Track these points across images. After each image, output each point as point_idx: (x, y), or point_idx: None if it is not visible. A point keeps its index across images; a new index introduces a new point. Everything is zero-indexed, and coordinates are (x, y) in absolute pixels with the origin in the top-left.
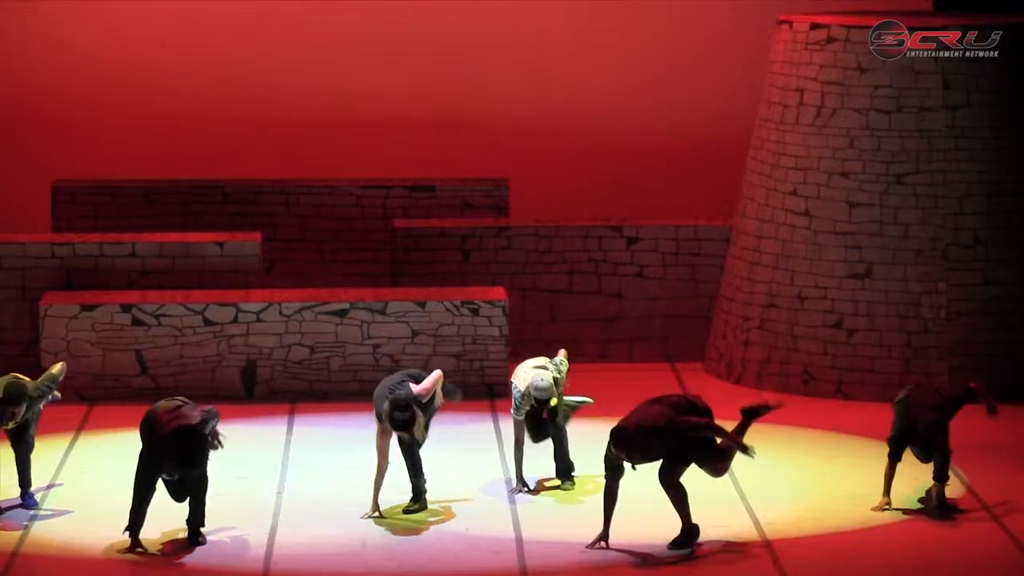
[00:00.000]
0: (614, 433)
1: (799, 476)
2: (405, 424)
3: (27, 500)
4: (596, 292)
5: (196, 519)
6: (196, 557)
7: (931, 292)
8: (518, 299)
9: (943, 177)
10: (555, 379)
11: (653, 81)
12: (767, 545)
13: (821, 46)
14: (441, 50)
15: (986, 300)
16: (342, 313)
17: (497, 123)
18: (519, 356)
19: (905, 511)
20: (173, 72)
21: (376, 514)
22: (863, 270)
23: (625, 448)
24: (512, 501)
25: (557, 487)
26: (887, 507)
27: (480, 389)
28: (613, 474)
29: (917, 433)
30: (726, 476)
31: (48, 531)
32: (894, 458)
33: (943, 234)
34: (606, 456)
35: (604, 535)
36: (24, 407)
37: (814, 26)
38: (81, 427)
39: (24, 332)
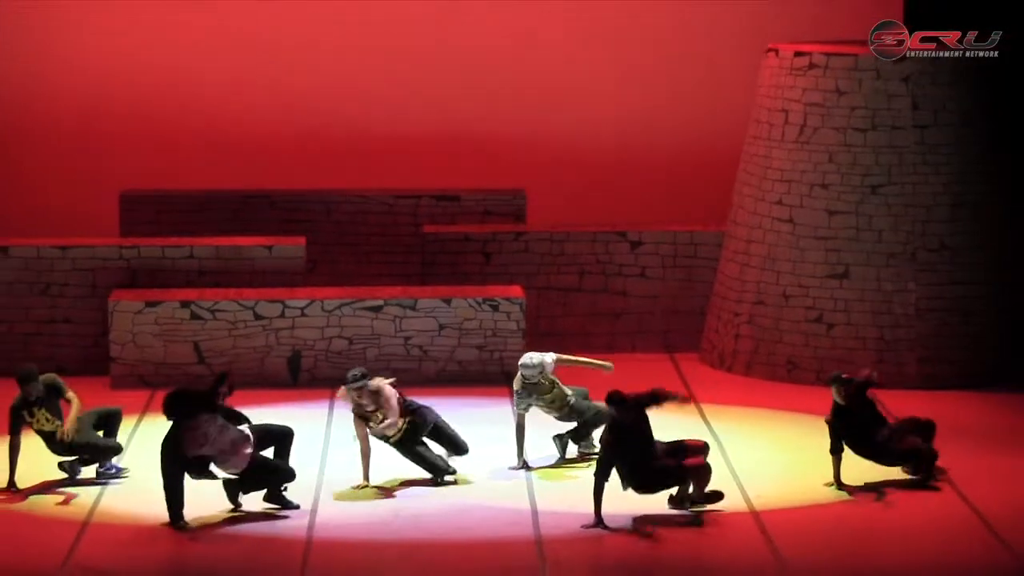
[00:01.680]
0: (612, 395)
1: (784, 455)
2: (353, 378)
3: (110, 469)
4: (603, 290)
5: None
6: (247, 526)
7: (902, 291)
8: (534, 297)
9: (912, 188)
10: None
11: (655, 102)
12: (755, 516)
13: (804, 71)
14: (466, 75)
15: (951, 299)
16: (377, 309)
17: (516, 140)
18: (534, 347)
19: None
20: (227, 94)
21: (364, 485)
22: (841, 271)
23: (622, 408)
24: (526, 477)
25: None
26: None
27: (500, 376)
28: (604, 469)
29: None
30: (723, 459)
31: (115, 503)
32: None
33: (913, 239)
34: (603, 439)
35: (599, 521)
36: (37, 387)
37: (798, 54)
38: (145, 410)
39: (95, 325)
